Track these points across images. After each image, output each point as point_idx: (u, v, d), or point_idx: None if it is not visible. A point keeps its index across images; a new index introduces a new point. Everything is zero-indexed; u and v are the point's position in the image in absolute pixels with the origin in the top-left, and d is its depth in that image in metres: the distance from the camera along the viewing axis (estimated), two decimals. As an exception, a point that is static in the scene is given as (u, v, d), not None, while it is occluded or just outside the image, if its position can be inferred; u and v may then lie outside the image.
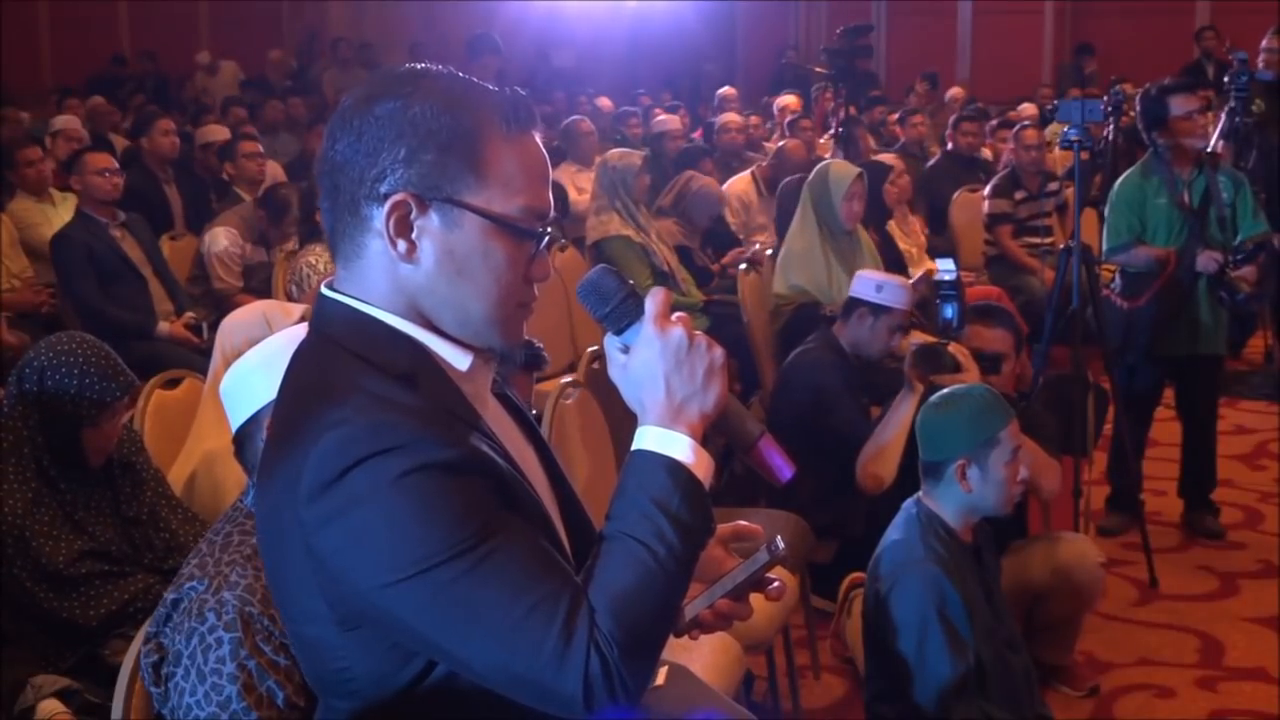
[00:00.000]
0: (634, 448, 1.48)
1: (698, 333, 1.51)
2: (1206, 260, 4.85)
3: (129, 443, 3.18)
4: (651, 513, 1.42)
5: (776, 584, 1.62)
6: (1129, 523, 4.92)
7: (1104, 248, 5.15)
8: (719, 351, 1.52)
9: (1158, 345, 4.96)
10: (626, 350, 1.51)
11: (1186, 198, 4.94)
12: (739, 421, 1.56)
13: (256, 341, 2.22)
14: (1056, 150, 8.19)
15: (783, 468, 1.57)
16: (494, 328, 1.52)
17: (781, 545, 1.60)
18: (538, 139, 1.54)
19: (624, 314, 1.52)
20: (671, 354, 1.48)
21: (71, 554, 2.96)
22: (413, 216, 1.47)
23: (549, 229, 1.53)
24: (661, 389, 1.48)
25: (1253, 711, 3.87)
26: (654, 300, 1.50)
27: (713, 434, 1.55)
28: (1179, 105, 4.90)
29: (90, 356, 3.01)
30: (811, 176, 5.50)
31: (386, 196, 1.46)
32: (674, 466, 1.44)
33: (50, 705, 2.79)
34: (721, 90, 11.21)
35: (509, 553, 1.38)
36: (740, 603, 1.61)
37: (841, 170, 5.47)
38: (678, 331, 1.49)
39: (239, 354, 2.22)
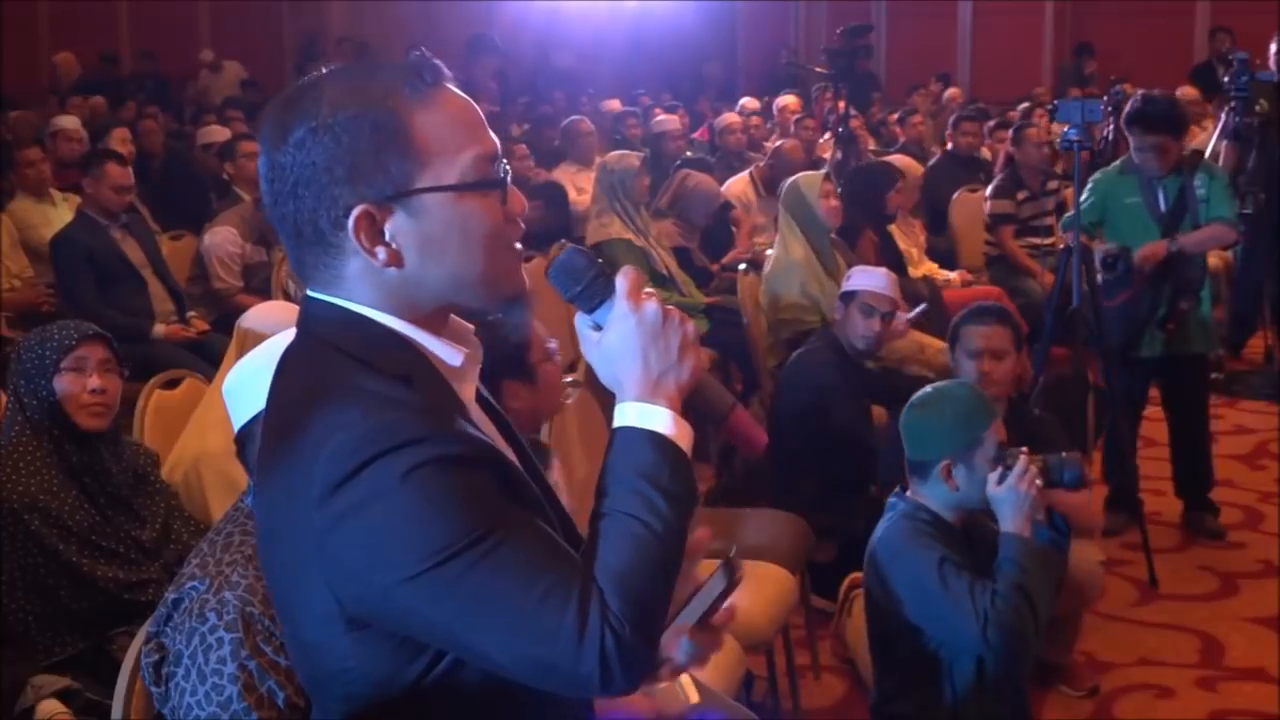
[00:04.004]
0: (616, 425, 1.50)
1: (670, 306, 1.52)
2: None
3: (144, 456, 3.23)
4: (642, 488, 1.43)
5: (727, 607, 1.59)
6: (1129, 522, 4.91)
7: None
8: (692, 325, 1.53)
9: (1138, 347, 4.94)
10: (599, 329, 1.52)
11: (1161, 201, 4.92)
12: (712, 394, 1.56)
13: None
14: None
15: (758, 436, 1.58)
16: (495, 283, 1.52)
17: (738, 571, 1.57)
18: (453, 88, 1.52)
19: (595, 292, 1.52)
20: (647, 328, 1.49)
21: (94, 525, 3.02)
22: (379, 223, 1.47)
23: (505, 167, 1.52)
24: (639, 364, 1.49)
25: (1253, 711, 3.87)
26: (625, 277, 1.51)
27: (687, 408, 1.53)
28: (1134, 139, 4.88)
29: (49, 324, 3.15)
30: (784, 195, 5.58)
31: (347, 218, 1.46)
32: (658, 440, 1.46)
33: (50, 705, 2.79)
34: (743, 100, 11.13)
35: (518, 540, 1.39)
36: (708, 634, 1.58)
37: (808, 177, 5.62)
38: (651, 306, 1.50)
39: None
